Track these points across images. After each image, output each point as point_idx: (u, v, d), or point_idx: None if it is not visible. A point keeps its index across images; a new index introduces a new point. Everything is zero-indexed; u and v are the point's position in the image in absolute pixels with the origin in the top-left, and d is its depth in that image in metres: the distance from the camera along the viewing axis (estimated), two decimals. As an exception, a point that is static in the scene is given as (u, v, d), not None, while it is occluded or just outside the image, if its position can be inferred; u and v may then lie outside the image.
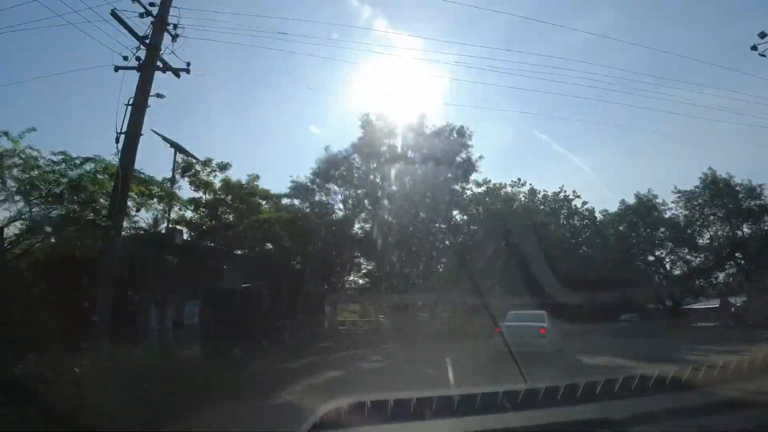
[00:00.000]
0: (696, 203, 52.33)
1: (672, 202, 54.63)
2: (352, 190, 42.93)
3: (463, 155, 41.66)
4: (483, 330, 25.69)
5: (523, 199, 43.18)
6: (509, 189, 44.59)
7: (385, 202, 42.64)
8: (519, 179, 46.50)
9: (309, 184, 43.36)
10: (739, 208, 47.80)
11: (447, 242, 45.47)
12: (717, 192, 49.12)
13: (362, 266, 45.26)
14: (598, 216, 55.73)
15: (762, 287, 44.84)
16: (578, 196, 48.27)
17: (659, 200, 54.93)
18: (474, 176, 43.71)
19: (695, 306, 63.87)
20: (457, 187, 42.83)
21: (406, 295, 42.62)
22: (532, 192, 45.52)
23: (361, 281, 45.78)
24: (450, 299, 46.39)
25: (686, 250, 55.33)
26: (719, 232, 52.60)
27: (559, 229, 48.63)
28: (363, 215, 43.25)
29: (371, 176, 42.51)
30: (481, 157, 42.10)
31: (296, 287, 33.06)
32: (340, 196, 43.75)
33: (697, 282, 55.36)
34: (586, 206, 50.99)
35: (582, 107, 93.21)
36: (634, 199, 56.95)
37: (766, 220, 45.71)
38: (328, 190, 43.75)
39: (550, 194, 51.36)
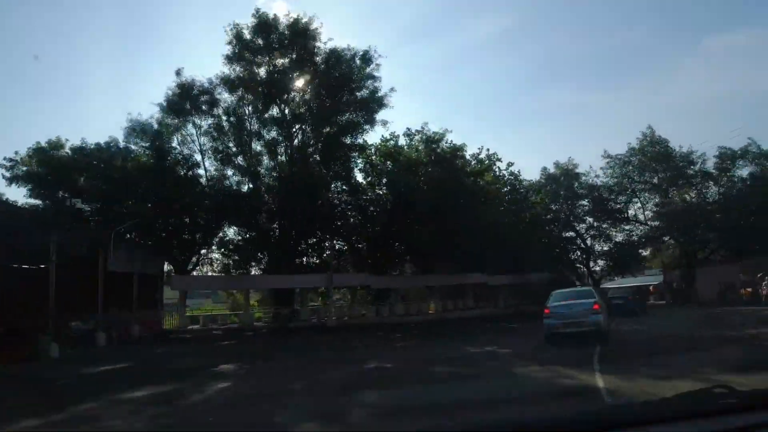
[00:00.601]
0: (626, 170, 46.60)
1: (600, 169, 48.79)
2: (213, 132, 30.86)
3: (367, 89, 31.10)
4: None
5: (444, 147, 33.38)
6: (428, 134, 34.44)
7: (259, 148, 31.21)
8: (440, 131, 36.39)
9: (155, 123, 30.69)
10: (681, 175, 42.35)
11: (348, 206, 35.04)
12: (655, 156, 43.38)
13: (229, 238, 33.57)
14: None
15: (708, 262, 39.84)
16: (499, 159, 40.00)
17: (582, 169, 49.33)
18: (383, 115, 33.49)
19: (610, 285, 59.88)
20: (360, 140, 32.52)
21: (292, 278, 31.85)
22: (454, 150, 35.88)
23: (227, 260, 34.05)
24: (350, 281, 36.78)
25: (610, 223, 50.02)
26: (650, 203, 47.71)
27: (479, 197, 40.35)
28: (230, 167, 31.45)
29: (243, 112, 30.78)
30: (392, 89, 31.82)
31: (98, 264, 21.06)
32: (197, 140, 31.50)
33: (622, 257, 50.54)
34: (510, 168, 43.16)
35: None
36: (553, 168, 50.68)
37: (705, 191, 40.25)
38: (182, 132, 31.33)
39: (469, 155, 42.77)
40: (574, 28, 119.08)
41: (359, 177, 35.52)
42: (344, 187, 34.26)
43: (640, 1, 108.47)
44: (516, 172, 44.74)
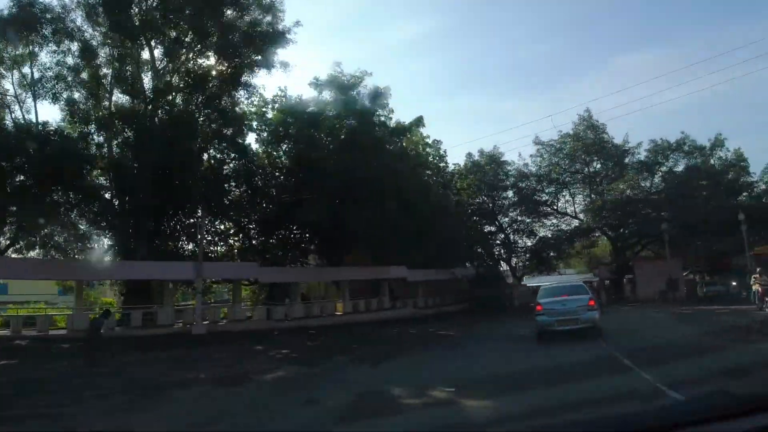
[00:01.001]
0: (558, 158, 42.41)
1: (530, 156, 44.30)
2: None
3: (263, 10, 22.84)
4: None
5: (362, 94, 25.85)
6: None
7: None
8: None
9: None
10: (615, 165, 38.55)
11: (236, 175, 26.52)
12: (589, 144, 39.39)
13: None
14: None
15: (647, 258, 36.14)
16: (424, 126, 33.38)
17: (509, 157, 44.74)
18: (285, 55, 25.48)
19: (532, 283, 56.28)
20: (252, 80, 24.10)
21: (143, 266, 22.76)
22: (374, 96, 28.04)
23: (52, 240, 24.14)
24: (229, 273, 27.96)
25: (533, 217, 45.78)
26: (580, 195, 43.98)
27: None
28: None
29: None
30: (297, 23, 23.79)
31: None
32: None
33: (545, 254, 46.61)
34: (437, 147, 36.96)
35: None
36: (478, 156, 45.67)
37: (641, 183, 36.58)
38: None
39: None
40: (491, 40, 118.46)
41: (253, 143, 27.17)
42: (230, 152, 25.75)
43: (556, 18, 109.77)
44: (443, 152, 38.72)
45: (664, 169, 39.69)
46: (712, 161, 37.58)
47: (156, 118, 22.29)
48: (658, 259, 34.86)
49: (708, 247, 33.30)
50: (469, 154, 46.11)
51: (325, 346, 17.10)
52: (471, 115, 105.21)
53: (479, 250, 41.47)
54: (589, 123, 39.26)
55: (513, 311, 33.67)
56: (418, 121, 30.85)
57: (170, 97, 22.25)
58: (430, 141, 35.67)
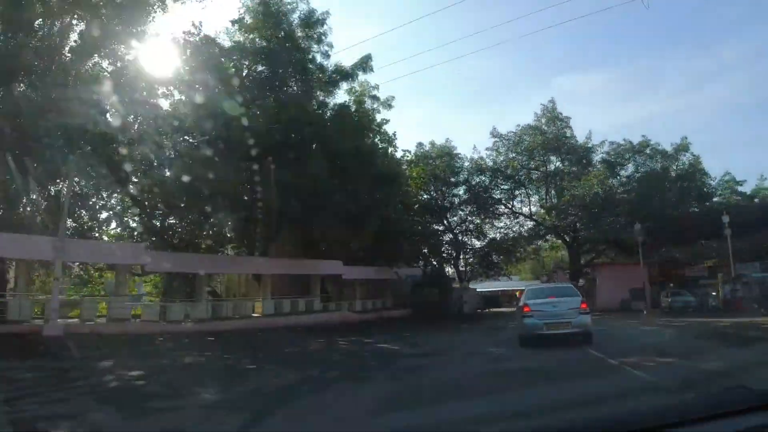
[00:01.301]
0: (516, 152, 38.90)
1: (486, 150, 40.58)
2: None
3: None
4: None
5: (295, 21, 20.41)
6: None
7: None
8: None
9: None
10: (575, 163, 35.41)
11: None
12: (551, 138, 36.04)
13: None
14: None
15: (608, 264, 32.98)
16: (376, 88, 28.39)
17: (462, 151, 41.13)
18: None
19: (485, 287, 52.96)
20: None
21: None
22: (307, 23, 22.40)
23: None
24: (101, 256, 21.38)
25: (483, 218, 42.16)
26: (537, 194, 40.72)
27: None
28: None
29: None
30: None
31: None
32: None
33: (495, 257, 43.07)
34: (384, 126, 32.18)
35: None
36: (429, 147, 41.64)
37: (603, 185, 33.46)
38: None
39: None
40: (442, 54, 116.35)
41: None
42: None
43: (503, 36, 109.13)
44: (392, 134, 33.95)
45: (624, 172, 37.06)
46: (675, 166, 35.18)
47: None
48: (620, 265, 31.79)
49: (672, 254, 30.59)
50: (420, 144, 41.84)
51: (200, 366, 11.64)
52: (415, 126, 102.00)
53: (425, 250, 37.21)
54: (553, 115, 35.98)
55: (463, 318, 29.46)
56: (364, 64, 23.98)
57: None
58: (379, 94, 28.41)
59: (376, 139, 28.34)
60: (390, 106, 28.24)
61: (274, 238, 27.96)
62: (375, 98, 26.26)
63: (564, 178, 36.29)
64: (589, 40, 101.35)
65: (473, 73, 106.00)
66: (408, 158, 37.73)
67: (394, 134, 33.66)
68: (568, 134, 36.57)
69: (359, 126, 23.43)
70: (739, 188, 38.11)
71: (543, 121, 36.91)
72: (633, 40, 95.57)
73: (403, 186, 28.65)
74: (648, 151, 35.76)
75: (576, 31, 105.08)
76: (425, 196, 39.93)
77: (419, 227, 35.58)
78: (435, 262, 40.31)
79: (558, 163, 37.81)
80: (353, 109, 24.19)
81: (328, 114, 22.17)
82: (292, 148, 17.75)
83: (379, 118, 26.76)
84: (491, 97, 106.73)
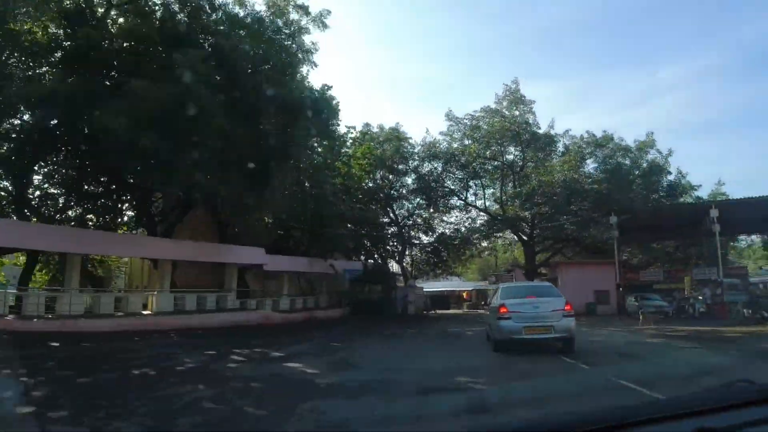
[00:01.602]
0: (472, 139, 35.09)
1: (440, 134, 36.54)
2: None
3: None
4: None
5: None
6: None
7: None
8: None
9: None
10: (538, 150, 31.96)
11: None
12: (511, 124, 32.38)
13: None
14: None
15: (573, 264, 29.63)
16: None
17: (413, 136, 37.10)
18: None
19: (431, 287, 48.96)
20: None
21: None
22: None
23: None
24: None
25: (432, 211, 38.31)
26: (492, 187, 37.04)
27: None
28: None
29: None
30: None
31: None
32: None
33: (444, 254, 39.20)
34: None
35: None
36: (377, 129, 37.41)
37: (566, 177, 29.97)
38: None
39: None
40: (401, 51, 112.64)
41: None
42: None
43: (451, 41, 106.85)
44: (335, 104, 29.00)
45: (585, 168, 34.08)
46: (641, 162, 32.46)
47: None
48: (586, 264, 28.52)
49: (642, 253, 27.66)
50: (367, 124, 37.24)
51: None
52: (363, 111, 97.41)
53: (368, 243, 32.63)
54: (516, 97, 32.33)
55: (408, 321, 25.08)
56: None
57: None
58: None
59: (302, 69, 21.23)
60: (324, 25, 19.84)
61: (179, 217, 22.44)
62: (301, 8, 18.95)
63: (526, 165, 32.70)
64: (539, 52, 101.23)
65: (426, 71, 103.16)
66: (352, 135, 33.03)
67: (337, 108, 28.68)
68: (530, 120, 33.09)
69: (268, 40, 17.56)
70: (695, 193, 36.39)
71: (504, 104, 33.25)
72: (581, 56, 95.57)
73: (332, 123, 21.94)
74: (611, 145, 32.88)
75: (527, 42, 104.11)
76: (369, 184, 35.39)
77: (362, 213, 30.98)
78: (378, 257, 35.85)
79: (518, 153, 34.25)
80: (264, 17, 18.07)
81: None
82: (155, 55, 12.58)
83: (308, 40, 19.86)
84: (444, 95, 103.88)
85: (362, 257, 30.15)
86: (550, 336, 10.75)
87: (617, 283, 23.85)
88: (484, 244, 37.99)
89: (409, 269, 42.38)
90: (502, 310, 11.22)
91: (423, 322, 25.75)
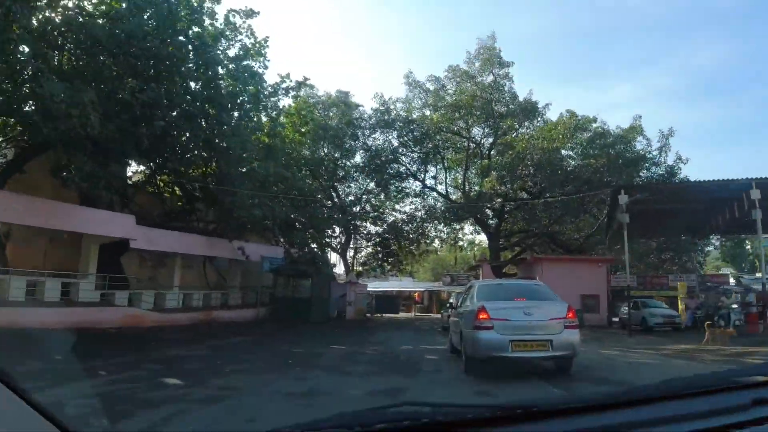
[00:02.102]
0: (436, 108, 28.95)
1: (398, 102, 30.18)
2: None
3: None
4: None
5: None
6: None
7: None
8: None
9: None
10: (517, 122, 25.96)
11: None
12: (484, 89, 26.39)
13: None
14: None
15: (554, 260, 23.99)
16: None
17: (362, 101, 31.21)
18: None
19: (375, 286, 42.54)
20: None
21: None
22: None
23: None
24: None
25: (384, 196, 32.28)
26: (457, 168, 30.98)
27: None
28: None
29: None
30: None
31: None
32: None
33: (394, 246, 32.93)
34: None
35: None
36: (323, 94, 31.20)
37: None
38: None
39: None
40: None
41: None
42: None
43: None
44: (265, 60, 21.93)
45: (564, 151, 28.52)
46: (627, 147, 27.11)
47: None
48: (569, 260, 22.72)
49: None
50: (310, 86, 30.37)
51: None
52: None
53: (299, 226, 25.59)
54: (491, 54, 26.29)
55: (347, 329, 18.49)
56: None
57: None
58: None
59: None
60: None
61: (16, 165, 15.29)
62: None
63: (504, 136, 26.67)
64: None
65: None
66: (287, 84, 25.87)
67: (265, 54, 21.55)
68: (505, 86, 27.24)
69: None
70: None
71: (477, 65, 27.19)
72: (533, 72, 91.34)
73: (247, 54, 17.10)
74: (594, 127, 27.41)
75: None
76: (306, 152, 28.40)
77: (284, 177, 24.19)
78: (317, 246, 29.06)
79: (488, 129, 28.25)
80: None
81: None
82: None
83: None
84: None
85: (287, 243, 23.03)
86: (547, 354, 8.07)
87: (608, 289, 18.14)
88: (443, 233, 31.74)
89: (356, 265, 35.93)
90: (482, 315, 8.16)
91: (363, 330, 19.28)
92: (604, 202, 21.65)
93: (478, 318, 8.07)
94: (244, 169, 16.42)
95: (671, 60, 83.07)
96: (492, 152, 27.35)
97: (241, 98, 18.52)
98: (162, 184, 20.52)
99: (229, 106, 17.56)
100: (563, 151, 24.75)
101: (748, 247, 52.64)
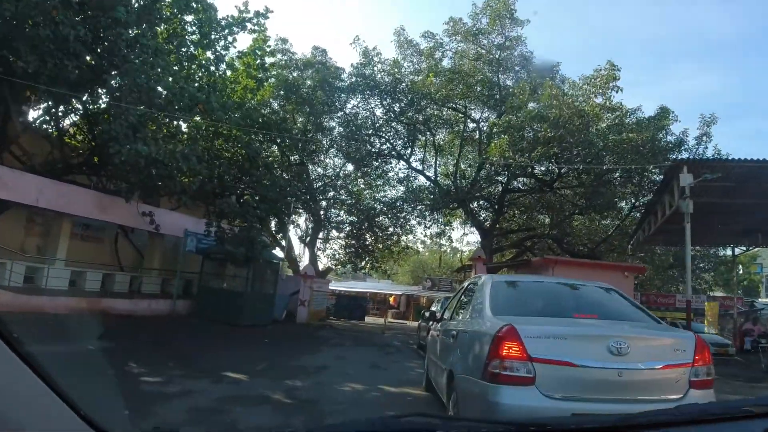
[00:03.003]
0: (431, 73, 23.75)
1: (386, 64, 24.92)
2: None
3: None
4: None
5: None
6: None
7: None
8: None
9: None
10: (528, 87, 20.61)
11: None
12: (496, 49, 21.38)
13: None
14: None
15: (563, 262, 18.99)
16: None
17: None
18: None
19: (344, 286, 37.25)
20: None
21: None
22: None
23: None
24: None
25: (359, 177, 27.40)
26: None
27: None
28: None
29: None
30: None
31: None
32: None
33: (370, 236, 27.74)
34: None
35: None
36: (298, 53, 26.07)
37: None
38: None
39: None
40: None
41: None
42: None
43: None
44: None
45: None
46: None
47: None
48: (588, 265, 17.55)
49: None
50: (284, 40, 25.08)
51: None
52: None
53: (245, 196, 19.58)
54: (503, 6, 21.05)
55: (279, 343, 13.03)
56: None
57: None
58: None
59: None
60: None
61: None
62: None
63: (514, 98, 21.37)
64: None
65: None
66: (255, 28, 20.18)
67: None
68: (515, 52, 22.21)
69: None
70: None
71: (483, 20, 22.06)
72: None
73: None
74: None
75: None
76: (272, 115, 22.90)
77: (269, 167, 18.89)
78: (276, 226, 23.69)
79: (491, 106, 23.09)
80: None
81: None
82: None
83: None
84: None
85: (215, 214, 17.02)
86: None
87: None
88: (428, 221, 26.21)
89: (324, 260, 30.59)
90: (508, 348, 3.63)
91: (306, 342, 13.97)
92: (637, 193, 16.78)
93: (500, 353, 3.70)
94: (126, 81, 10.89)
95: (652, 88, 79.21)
96: (494, 130, 22.24)
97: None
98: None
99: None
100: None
101: (741, 271, 49.06)
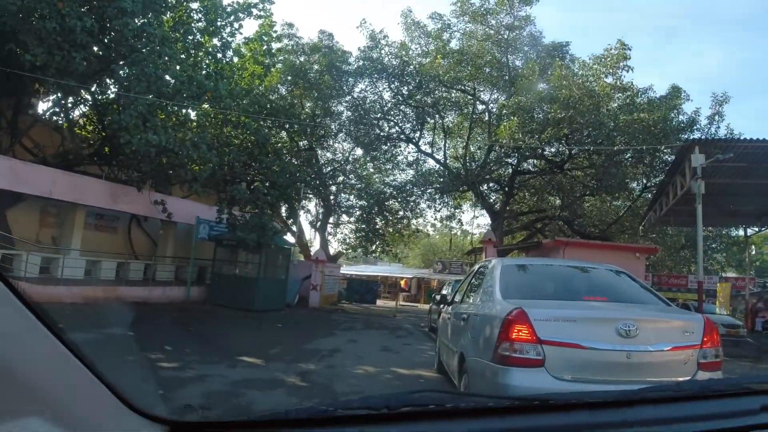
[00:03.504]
0: (439, 55, 23.49)
1: (401, 46, 24.66)
2: None
3: None
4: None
5: None
6: None
7: None
8: None
9: None
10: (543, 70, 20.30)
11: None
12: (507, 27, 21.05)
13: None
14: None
15: (576, 244, 18.93)
16: None
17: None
18: None
19: (355, 270, 37.30)
20: None
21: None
22: None
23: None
24: None
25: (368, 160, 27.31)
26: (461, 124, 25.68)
27: None
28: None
29: None
30: None
31: None
32: None
33: (381, 220, 27.87)
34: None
35: None
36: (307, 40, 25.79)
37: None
38: None
39: None
40: None
41: None
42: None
43: None
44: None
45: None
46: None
47: None
48: (604, 248, 17.52)
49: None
50: (290, 24, 24.90)
51: None
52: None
53: (255, 183, 19.68)
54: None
55: (291, 327, 13.23)
56: None
57: None
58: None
59: None
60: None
61: None
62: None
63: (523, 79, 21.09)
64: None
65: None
66: (261, 13, 20.05)
67: None
68: (525, 32, 21.89)
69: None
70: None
71: (492, 0, 21.68)
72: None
73: None
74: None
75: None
76: (280, 101, 22.84)
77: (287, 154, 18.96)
78: (287, 211, 23.88)
79: (500, 87, 22.85)
80: None
81: None
82: None
83: None
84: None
85: (227, 201, 17.15)
86: None
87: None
88: (437, 205, 26.23)
89: (335, 244, 30.84)
90: (518, 331, 3.68)
91: (319, 326, 14.18)
92: (648, 174, 16.61)
93: (509, 336, 3.74)
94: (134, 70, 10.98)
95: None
96: (503, 111, 22.04)
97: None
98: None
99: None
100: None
101: (754, 252, 48.50)
